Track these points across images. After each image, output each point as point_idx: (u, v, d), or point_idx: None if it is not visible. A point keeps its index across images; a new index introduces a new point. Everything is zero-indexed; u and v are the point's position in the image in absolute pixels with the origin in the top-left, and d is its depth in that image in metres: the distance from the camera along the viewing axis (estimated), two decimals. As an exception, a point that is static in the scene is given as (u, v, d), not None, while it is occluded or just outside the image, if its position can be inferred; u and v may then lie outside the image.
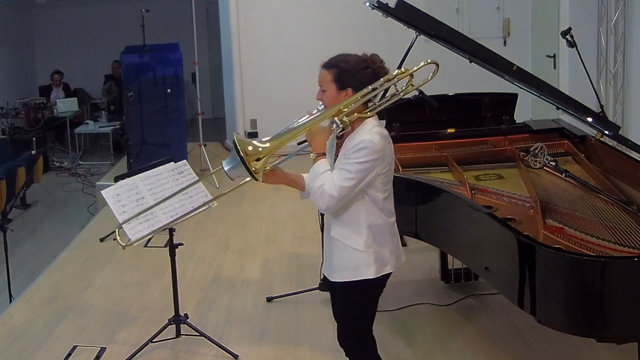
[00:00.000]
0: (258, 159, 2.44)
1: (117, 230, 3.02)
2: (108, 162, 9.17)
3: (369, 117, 2.58)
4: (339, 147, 2.65)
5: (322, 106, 2.61)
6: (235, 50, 8.17)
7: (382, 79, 2.56)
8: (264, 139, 2.49)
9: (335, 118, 2.54)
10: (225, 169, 2.52)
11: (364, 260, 2.60)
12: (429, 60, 2.61)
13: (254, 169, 2.42)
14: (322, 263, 4.16)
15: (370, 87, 2.54)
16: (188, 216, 3.34)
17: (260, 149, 2.45)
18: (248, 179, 2.48)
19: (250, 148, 2.45)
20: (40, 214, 7.58)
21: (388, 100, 2.64)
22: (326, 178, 2.51)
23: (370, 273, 2.60)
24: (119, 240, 2.95)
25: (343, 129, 2.56)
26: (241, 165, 2.42)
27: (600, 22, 6.43)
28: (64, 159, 9.49)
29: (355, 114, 2.55)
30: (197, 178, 3.78)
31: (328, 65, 2.60)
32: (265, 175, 2.56)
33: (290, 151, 2.62)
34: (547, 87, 3.87)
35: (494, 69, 3.80)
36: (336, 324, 2.81)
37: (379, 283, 2.66)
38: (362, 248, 2.59)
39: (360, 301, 2.69)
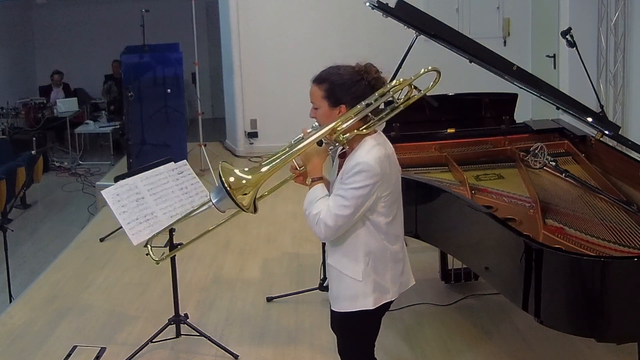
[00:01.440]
0: (245, 193, 2.26)
1: (149, 246, 2.95)
2: (108, 162, 9.17)
3: (369, 134, 2.38)
4: (341, 166, 2.44)
5: (317, 124, 2.43)
6: (235, 50, 8.17)
7: (376, 93, 2.36)
8: (246, 169, 2.32)
9: (331, 138, 2.36)
10: (213, 201, 2.33)
11: (362, 290, 2.43)
12: (429, 68, 2.44)
13: (242, 203, 2.26)
14: (322, 263, 4.18)
15: (364, 102, 2.34)
16: (189, 215, 3.33)
17: (243, 182, 2.26)
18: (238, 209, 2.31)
19: (232, 179, 2.26)
20: (40, 214, 7.58)
21: (387, 114, 2.45)
22: (322, 205, 2.33)
23: (368, 304, 2.43)
24: (152, 256, 2.92)
25: (343, 148, 2.39)
26: (228, 197, 2.26)
27: (600, 22, 6.42)
28: (64, 159, 9.49)
29: (354, 131, 2.35)
30: (197, 179, 3.79)
31: (318, 80, 2.39)
32: (302, 176, 2.45)
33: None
34: (547, 87, 3.87)
35: (494, 69, 3.80)
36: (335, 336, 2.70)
37: (379, 310, 2.50)
38: (360, 277, 2.41)
39: (358, 330, 2.56)
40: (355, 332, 2.58)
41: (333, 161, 2.62)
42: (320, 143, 2.39)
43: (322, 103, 2.39)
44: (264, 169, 2.32)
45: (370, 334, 2.61)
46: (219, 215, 2.55)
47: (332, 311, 2.63)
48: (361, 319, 2.50)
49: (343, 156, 2.46)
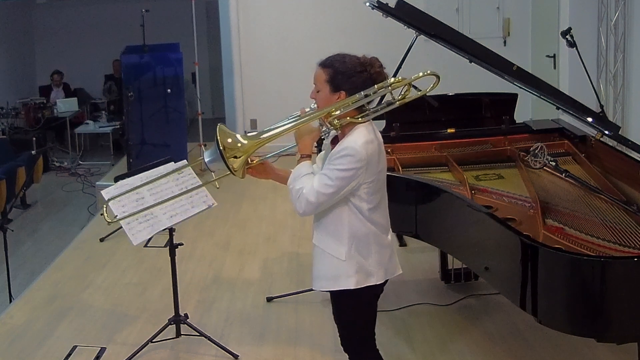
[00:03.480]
0: (236, 157, 2.39)
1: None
2: (108, 162, 9.17)
3: (361, 122, 2.47)
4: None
5: (315, 105, 2.53)
6: (235, 50, 8.17)
7: (376, 86, 2.45)
8: (248, 134, 2.46)
9: (326, 121, 2.47)
10: (206, 160, 2.48)
11: (344, 270, 2.50)
12: (428, 72, 2.53)
13: (232, 166, 2.39)
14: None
15: (362, 93, 2.44)
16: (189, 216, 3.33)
17: (239, 145, 2.40)
18: (228, 172, 2.43)
19: (229, 140, 2.40)
20: (40, 214, 7.57)
21: (383, 108, 2.53)
22: (307, 182, 2.43)
23: (349, 284, 2.50)
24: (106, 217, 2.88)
25: (335, 134, 2.48)
26: (220, 158, 2.37)
27: (600, 22, 6.43)
28: (64, 159, 9.49)
29: (348, 118, 2.46)
30: (197, 179, 3.79)
31: (324, 64, 2.50)
32: (253, 169, 2.54)
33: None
34: (547, 87, 3.87)
35: (494, 69, 3.80)
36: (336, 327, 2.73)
37: (366, 293, 2.54)
38: (343, 257, 2.49)
39: (350, 309, 2.60)
40: (347, 313, 2.62)
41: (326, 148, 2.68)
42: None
43: (324, 87, 2.49)
44: (256, 139, 2.45)
45: (363, 318, 2.63)
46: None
47: (331, 301, 2.66)
48: (349, 298, 2.54)
49: (334, 142, 2.54)
